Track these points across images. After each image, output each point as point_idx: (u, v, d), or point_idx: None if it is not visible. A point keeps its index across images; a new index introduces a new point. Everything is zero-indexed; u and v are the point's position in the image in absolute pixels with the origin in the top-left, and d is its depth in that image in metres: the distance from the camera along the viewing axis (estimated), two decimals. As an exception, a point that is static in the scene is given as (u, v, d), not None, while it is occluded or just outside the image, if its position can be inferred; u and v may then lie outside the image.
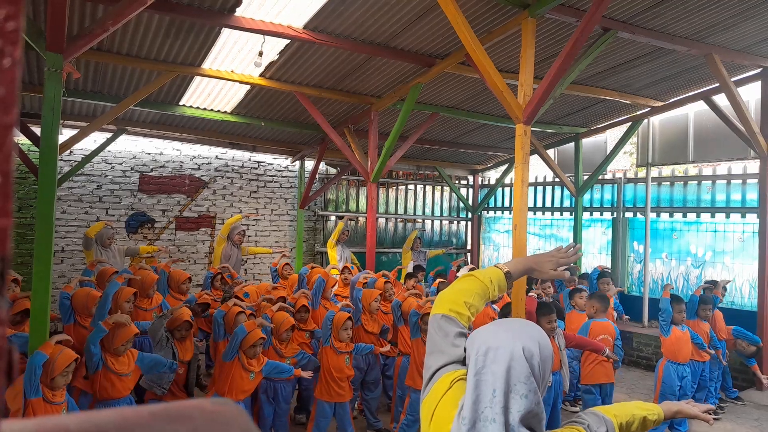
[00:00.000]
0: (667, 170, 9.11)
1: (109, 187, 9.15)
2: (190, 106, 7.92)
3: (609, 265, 9.24)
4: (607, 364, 5.13)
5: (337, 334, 4.62)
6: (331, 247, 8.90)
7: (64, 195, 8.72)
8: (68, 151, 8.24)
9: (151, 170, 9.46)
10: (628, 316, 8.13)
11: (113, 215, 9.12)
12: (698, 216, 8.46)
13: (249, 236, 10.27)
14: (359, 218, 11.48)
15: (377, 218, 11.52)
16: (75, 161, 8.57)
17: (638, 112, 8.60)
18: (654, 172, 9.02)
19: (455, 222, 12.82)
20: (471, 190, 12.93)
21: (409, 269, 8.13)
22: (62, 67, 3.68)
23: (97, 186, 9.06)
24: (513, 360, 1.31)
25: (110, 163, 9.15)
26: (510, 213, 11.96)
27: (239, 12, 5.08)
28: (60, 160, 7.30)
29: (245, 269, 10.07)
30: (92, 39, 3.88)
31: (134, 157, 9.34)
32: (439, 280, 7.07)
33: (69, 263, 8.70)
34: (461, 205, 12.79)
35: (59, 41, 3.61)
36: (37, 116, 7.81)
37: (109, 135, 8.48)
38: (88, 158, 8.34)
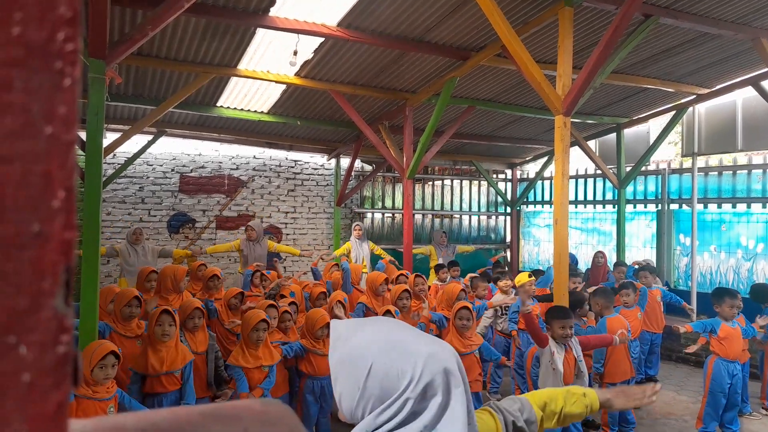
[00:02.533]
0: (714, 159, 8.80)
1: (151, 188, 9.39)
2: (228, 107, 8.06)
3: (654, 259, 8.99)
4: (624, 360, 5.02)
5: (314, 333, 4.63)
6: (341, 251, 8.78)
7: (108, 197, 8.99)
8: (112, 154, 8.48)
9: (191, 171, 9.67)
10: (690, 307, 7.69)
11: (155, 216, 9.36)
12: (749, 206, 8.14)
13: (287, 234, 10.41)
14: (395, 215, 11.49)
15: (413, 214, 11.50)
16: (118, 164, 8.82)
17: (683, 100, 8.34)
18: (700, 161, 8.73)
19: (493, 217, 12.69)
20: (509, 184, 12.77)
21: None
22: (105, 73, 3.79)
23: (140, 187, 9.31)
24: (464, 378, 1.16)
25: (151, 165, 9.39)
26: (550, 207, 11.77)
27: (273, 12, 5.13)
28: (104, 162, 7.53)
29: (284, 267, 10.21)
30: (132, 44, 3.99)
31: (174, 159, 9.55)
32: (470, 275, 7.04)
33: (114, 263, 8.96)
34: (499, 199, 12.65)
35: (101, 48, 3.72)
36: (82, 121, 8.07)
37: (149, 137, 8.71)
38: (130, 160, 8.59)
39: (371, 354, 1.12)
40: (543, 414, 1.57)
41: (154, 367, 3.87)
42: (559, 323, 4.03)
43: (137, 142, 8.80)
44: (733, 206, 8.34)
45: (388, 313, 4.91)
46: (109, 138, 8.15)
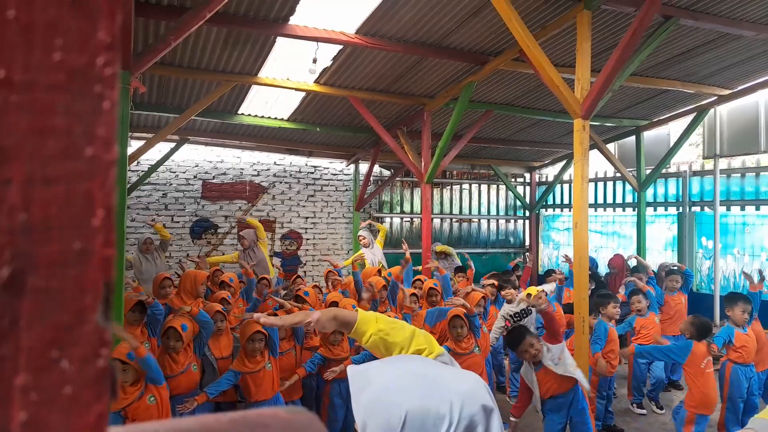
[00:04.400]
0: (736, 161, 8.66)
1: (174, 195, 9.51)
2: (249, 115, 8.14)
3: (675, 263, 8.86)
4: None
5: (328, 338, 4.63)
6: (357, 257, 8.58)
7: (132, 204, 9.12)
8: (136, 162, 8.61)
9: (213, 177, 9.78)
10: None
11: (178, 222, 9.48)
12: (773, 208, 8.01)
13: (307, 239, 10.47)
14: (414, 219, 11.48)
15: (432, 219, 11.47)
16: (142, 171, 8.95)
17: (704, 102, 8.22)
18: (722, 163, 8.59)
19: (512, 221, 12.62)
20: (528, 188, 12.70)
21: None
22: (129, 83, 3.86)
23: (163, 194, 9.44)
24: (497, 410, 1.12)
25: (174, 172, 9.51)
26: (570, 210, 11.67)
27: (293, 20, 5.18)
28: (129, 170, 7.65)
29: (304, 272, 10.25)
30: (156, 54, 4.06)
31: (197, 166, 9.67)
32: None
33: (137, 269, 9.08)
34: (518, 203, 12.58)
35: (126, 58, 3.79)
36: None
37: (172, 145, 8.83)
38: (153, 168, 8.73)
39: (404, 400, 1.04)
40: None
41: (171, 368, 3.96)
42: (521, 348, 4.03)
43: (160, 149, 8.92)
44: (757, 208, 8.19)
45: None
46: (133, 146, 8.29)
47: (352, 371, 1.18)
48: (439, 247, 9.51)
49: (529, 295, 5.73)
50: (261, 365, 4.15)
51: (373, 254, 8.39)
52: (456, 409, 1.03)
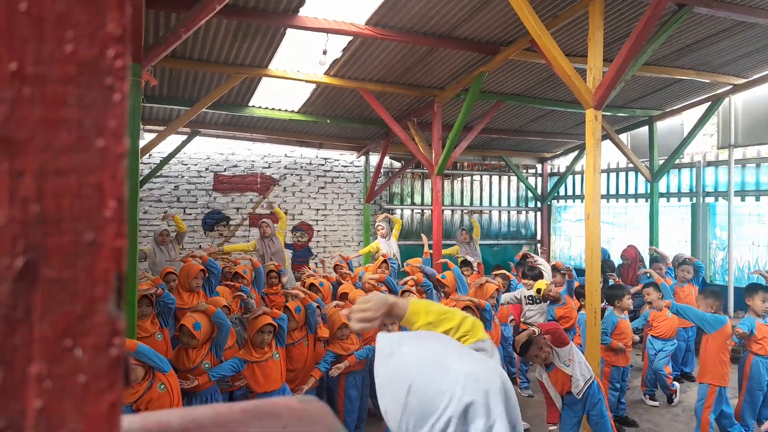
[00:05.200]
0: (751, 151, 8.54)
1: (186, 187, 9.56)
2: (259, 107, 8.15)
3: (689, 253, 8.78)
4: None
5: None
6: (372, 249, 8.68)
7: (145, 196, 9.19)
8: (148, 155, 8.66)
9: (225, 170, 9.82)
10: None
11: (190, 214, 9.54)
12: (788, 199, 7.91)
13: (318, 231, 10.50)
14: (424, 211, 11.46)
15: (443, 210, 11.44)
16: (154, 164, 9.00)
17: (718, 91, 8.11)
18: (737, 153, 8.49)
19: (523, 212, 12.56)
20: (540, 179, 12.62)
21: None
22: (141, 76, 3.87)
23: (175, 186, 9.49)
24: (508, 398, 1.11)
25: (186, 164, 9.56)
26: (582, 201, 11.58)
27: (303, 12, 5.17)
28: (141, 163, 7.69)
29: (315, 263, 10.29)
30: (167, 47, 4.06)
31: (208, 158, 9.71)
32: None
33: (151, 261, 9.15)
34: (529, 194, 12.51)
35: (137, 51, 3.80)
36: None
37: (184, 137, 8.87)
38: (165, 160, 8.77)
39: (411, 372, 1.11)
40: None
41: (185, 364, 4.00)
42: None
43: (172, 142, 8.95)
44: (773, 199, 8.09)
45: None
46: (145, 139, 8.33)
47: (383, 338, 1.24)
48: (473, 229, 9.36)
49: (539, 290, 5.75)
50: (268, 355, 4.15)
51: (389, 246, 8.45)
52: (458, 386, 1.07)
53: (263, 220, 7.88)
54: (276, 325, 4.20)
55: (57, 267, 0.30)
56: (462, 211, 11.88)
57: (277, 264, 6.70)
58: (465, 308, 4.56)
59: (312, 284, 5.66)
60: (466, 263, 7.17)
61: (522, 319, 6.05)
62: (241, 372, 4.13)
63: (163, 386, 3.51)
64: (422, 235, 8.68)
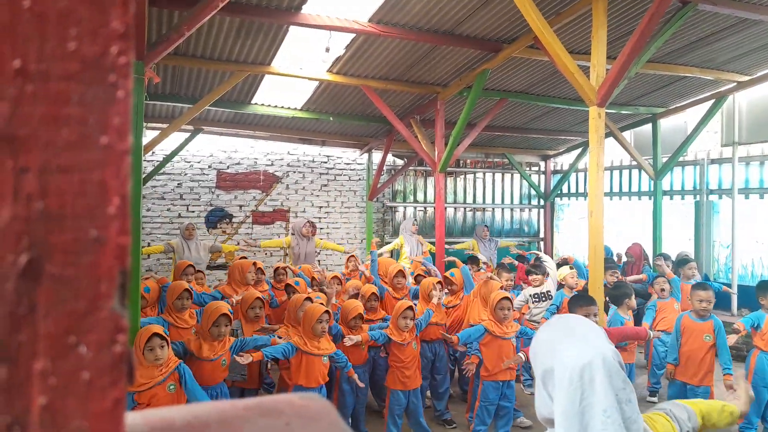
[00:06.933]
0: (756, 149, 8.51)
1: (189, 184, 9.58)
2: (262, 104, 8.15)
3: (693, 251, 8.76)
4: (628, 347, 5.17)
5: (396, 322, 4.63)
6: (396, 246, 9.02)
7: (148, 193, 9.20)
8: (151, 152, 8.67)
9: (228, 167, 9.83)
10: (732, 291, 7.66)
11: (193, 211, 9.55)
12: (793, 197, 7.88)
13: (321, 229, 10.49)
14: (427, 208, 11.46)
15: (445, 208, 11.44)
16: (157, 161, 9.02)
17: (722, 89, 8.08)
18: (741, 151, 8.45)
19: (527, 210, 12.54)
20: (543, 177, 12.59)
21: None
22: (144, 73, 3.87)
23: (178, 184, 9.51)
24: (609, 369, 1.25)
25: (189, 162, 9.57)
26: (585, 199, 11.56)
27: (305, 9, 5.16)
28: (144, 160, 7.70)
29: (318, 260, 10.29)
30: (170, 44, 4.07)
31: (211, 155, 9.72)
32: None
33: (155, 258, 9.18)
34: (533, 192, 12.48)
35: (140, 49, 3.80)
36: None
37: (187, 135, 8.87)
38: (168, 158, 8.79)
39: (559, 350, 1.34)
40: (703, 424, 1.63)
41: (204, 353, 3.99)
42: (583, 310, 3.88)
43: (175, 139, 8.95)
44: (777, 197, 8.06)
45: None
46: (148, 136, 8.35)
47: (557, 318, 1.50)
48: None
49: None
50: (322, 351, 4.09)
51: (420, 243, 8.96)
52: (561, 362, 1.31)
53: (308, 221, 8.20)
54: (328, 310, 4.21)
55: (61, 264, 0.30)
56: (465, 208, 11.87)
57: (286, 265, 6.87)
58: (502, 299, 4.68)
59: (288, 285, 5.74)
60: (474, 260, 7.15)
61: (527, 317, 6.04)
62: (290, 359, 4.06)
63: (173, 387, 3.49)
64: (419, 237, 9.07)
